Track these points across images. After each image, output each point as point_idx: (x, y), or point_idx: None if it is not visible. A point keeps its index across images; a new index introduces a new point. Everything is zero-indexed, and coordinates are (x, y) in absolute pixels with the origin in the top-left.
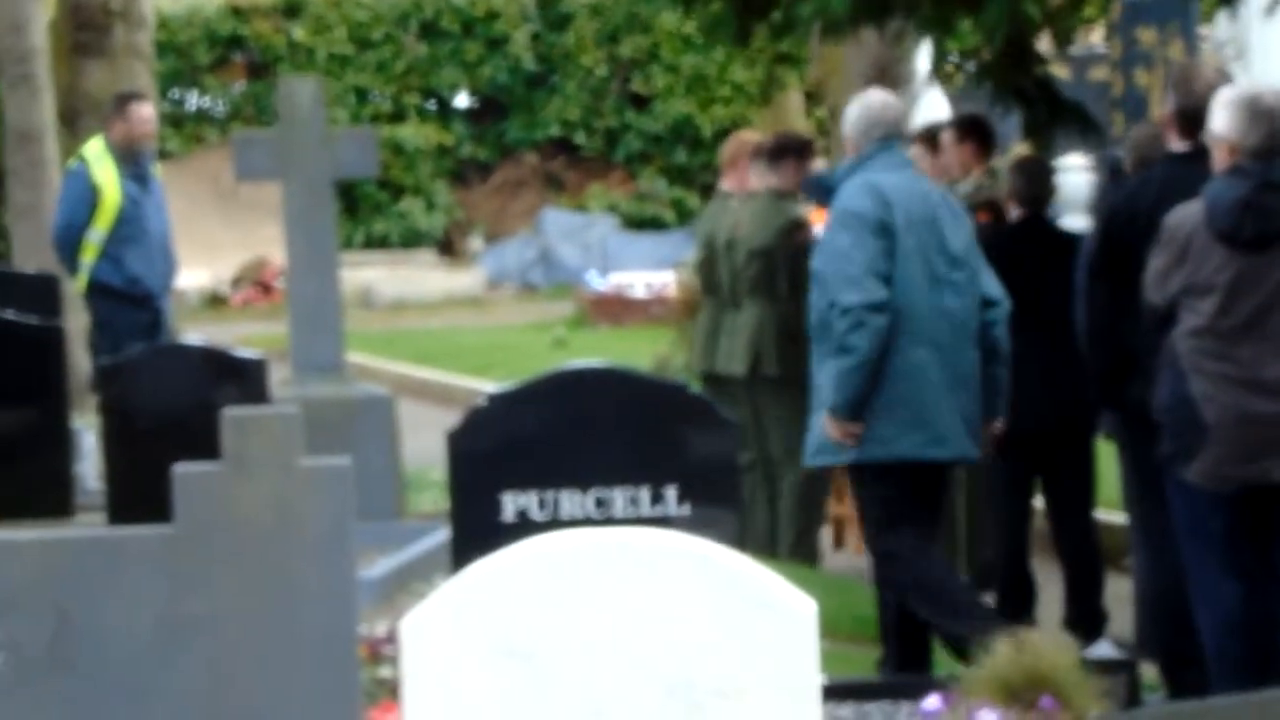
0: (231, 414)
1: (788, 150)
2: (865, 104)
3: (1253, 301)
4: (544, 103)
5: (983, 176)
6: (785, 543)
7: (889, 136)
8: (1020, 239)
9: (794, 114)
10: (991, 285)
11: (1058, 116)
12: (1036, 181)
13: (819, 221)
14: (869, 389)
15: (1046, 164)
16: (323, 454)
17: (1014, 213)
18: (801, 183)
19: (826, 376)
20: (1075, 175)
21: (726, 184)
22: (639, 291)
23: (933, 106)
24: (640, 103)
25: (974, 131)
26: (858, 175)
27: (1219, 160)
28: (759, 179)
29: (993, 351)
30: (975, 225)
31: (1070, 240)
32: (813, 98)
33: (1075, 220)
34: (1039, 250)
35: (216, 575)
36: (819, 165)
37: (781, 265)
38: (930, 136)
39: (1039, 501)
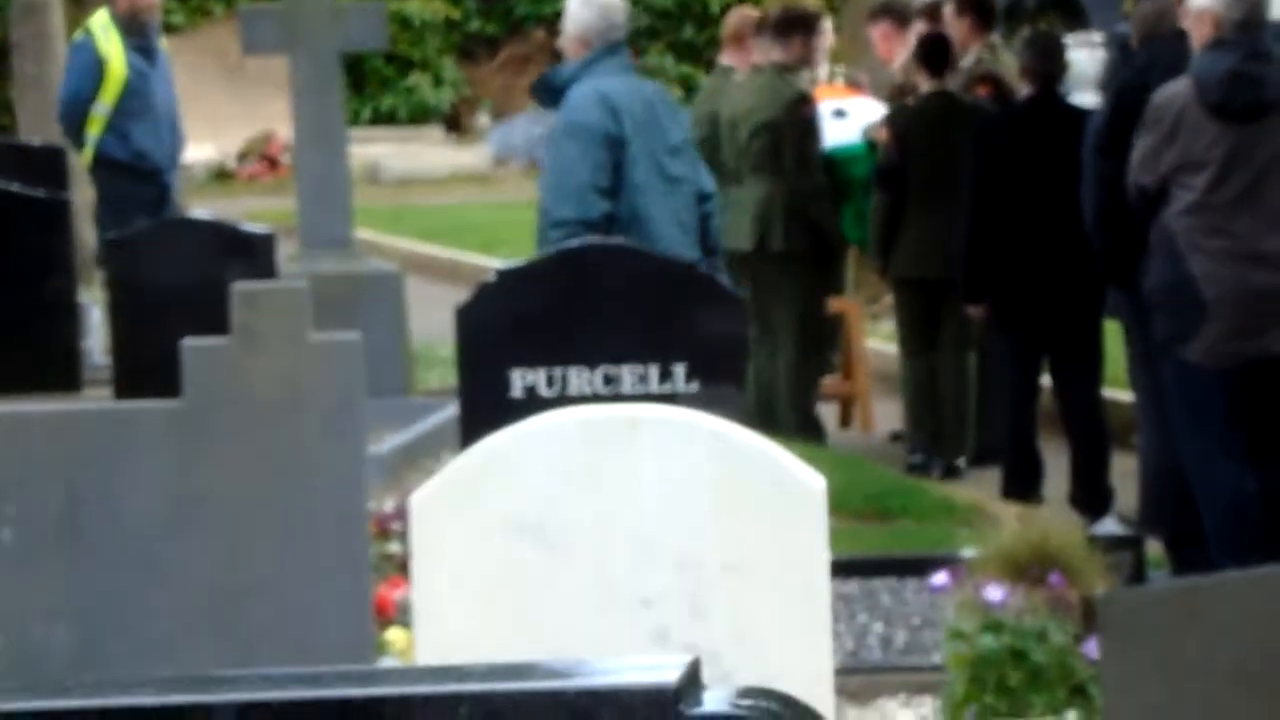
0: (240, 289)
1: (794, 24)
2: (599, 5)
3: (1247, 174)
4: None
5: (982, 50)
6: (786, 418)
7: (617, 40)
8: (1031, 116)
9: None
10: (705, 178)
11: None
12: (1048, 57)
13: (826, 97)
14: None
15: (1058, 39)
16: (331, 329)
17: (1025, 90)
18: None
19: None
20: (1085, 51)
21: (728, 59)
22: None
23: None
24: None
25: (973, 6)
26: (585, 81)
27: (1199, 35)
28: (763, 53)
29: (709, 245)
30: (975, 99)
31: (1082, 117)
32: None
33: (1085, 97)
34: (1050, 127)
35: (226, 450)
36: (827, 40)
37: (788, 140)
38: (931, 11)
39: (1046, 379)
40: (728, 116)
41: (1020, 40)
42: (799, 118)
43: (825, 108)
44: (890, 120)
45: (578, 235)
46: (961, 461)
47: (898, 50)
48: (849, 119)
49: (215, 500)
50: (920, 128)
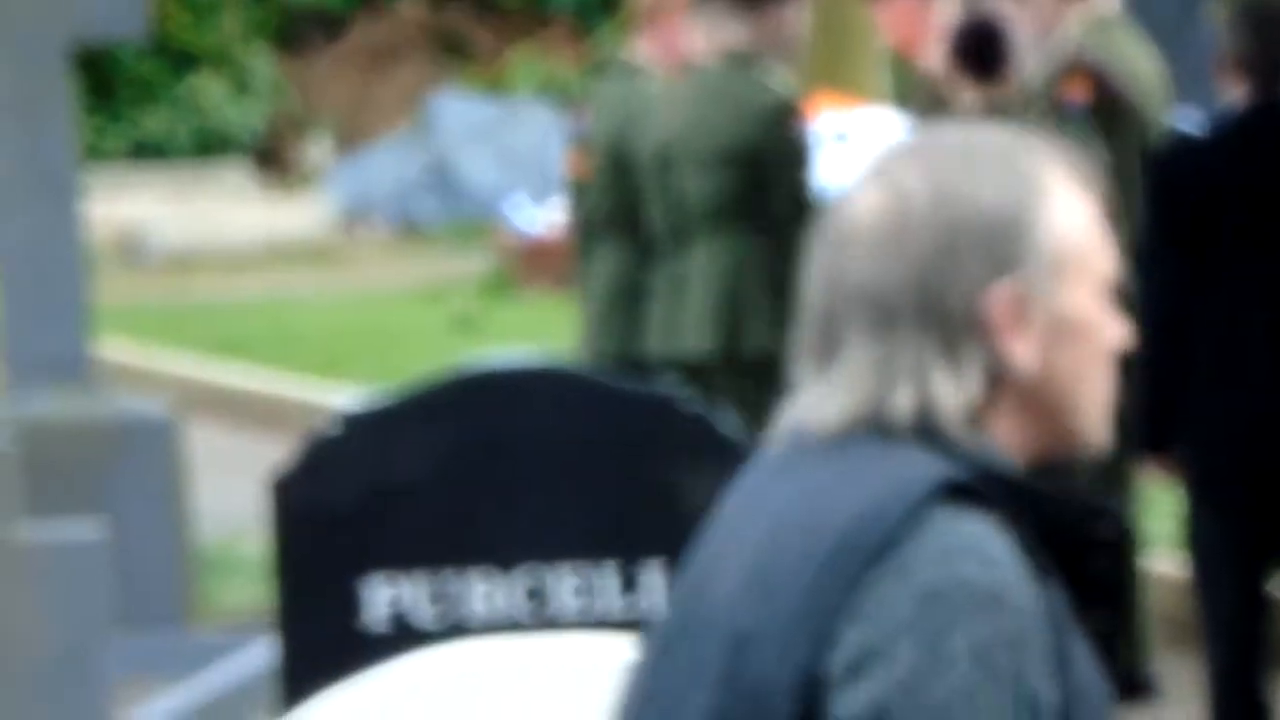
0: None
1: None
2: None
3: None
4: None
5: (1089, 26)
6: None
7: None
8: (1248, 140)
9: None
10: None
11: None
12: (1274, 39)
13: (820, 107)
14: None
15: None
16: (56, 516)
17: (1235, 93)
18: None
19: None
20: None
21: (643, 49)
22: None
23: None
24: None
25: None
26: None
27: None
28: (712, 35)
29: None
30: (1060, 105)
31: None
32: None
33: None
34: (1274, 159)
35: None
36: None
37: (774, 177)
38: None
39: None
40: (652, 147)
41: (1227, 11)
42: (786, 138)
43: (819, 126)
44: None
45: None
46: None
47: (922, 35)
48: (851, 143)
49: None
50: None
